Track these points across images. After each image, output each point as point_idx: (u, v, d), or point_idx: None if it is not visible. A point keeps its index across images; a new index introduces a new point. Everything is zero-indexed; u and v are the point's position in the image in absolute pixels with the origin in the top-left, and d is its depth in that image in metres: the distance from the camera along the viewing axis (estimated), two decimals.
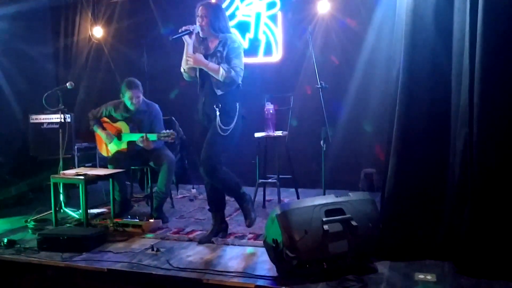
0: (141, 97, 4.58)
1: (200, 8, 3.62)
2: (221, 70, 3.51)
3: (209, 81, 3.62)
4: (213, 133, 3.57)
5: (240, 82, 3.63)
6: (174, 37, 3.64)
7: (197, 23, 3.63)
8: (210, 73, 3.55)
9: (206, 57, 3.60)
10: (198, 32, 3.65)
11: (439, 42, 3.12)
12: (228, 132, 3.57)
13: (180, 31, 3.63)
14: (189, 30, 3.62)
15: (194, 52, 3.66)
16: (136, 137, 4.45)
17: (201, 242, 3.71)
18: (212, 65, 3.54)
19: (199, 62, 3.57)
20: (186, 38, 3.64)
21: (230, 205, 4.84)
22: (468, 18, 2.90)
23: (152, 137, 4.40)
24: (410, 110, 3.16)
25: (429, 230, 3.17)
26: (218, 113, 3.55)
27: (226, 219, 3.93)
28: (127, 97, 4.52)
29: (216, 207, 3.82)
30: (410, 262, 3.11)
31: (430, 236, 3.17)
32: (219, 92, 3.59)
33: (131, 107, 4.56)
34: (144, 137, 4.39)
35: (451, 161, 3.12)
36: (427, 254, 3.16)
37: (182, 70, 3.77)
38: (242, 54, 3.65)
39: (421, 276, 2.90)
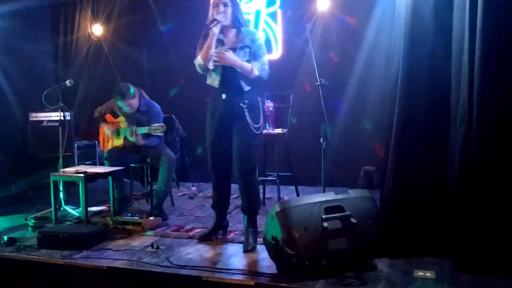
0: (132, 102, 4.51)
1: None
2: (255, 69, 3.41)
3: (235, 77, 3.46)
4: (246, 133, 3.45)
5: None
6: (209, 27, 3.38)
7: (217, 13, 3.41)
8: (245, 72, 3.41)
9: (233, 50, 3.45)
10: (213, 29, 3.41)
11: (439, 40, 3.12)
12: (260, 130, 3.52)
13: (210, 21, 3.39)
14: (218, 20, 3.39)
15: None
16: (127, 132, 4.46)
17: (201, 239, 3.70)
18: (246, 64, 3.41)
19: (230, 61, 3.38)
20: (214, 29, 3.39)
21: (230, 202, 4.86)
22: (467, 15, 2.90)
23: (142, 130, 4.39)
24: (409, 107, 3.16)
25: (428, 227, 3.18)
26: (246, 111, 3.44)
27: (227, 216, 3.93)
28: (121, 105, 4.51)
29: (223, 206, 3.78)
30: (409, 259, 3.12)
31: (429, 233, 3.17)
32: (246, 88, 3.47)
33: (129, 112, 4.56)
34: (133, 130, 4.38)
35: (450, 159, 3.13)
36: (426, 251, 3.17)
37: (199, 61, 3.51)
38: (264, 46, 3.57)
39: (420, 273, 2.90)
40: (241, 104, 3.45)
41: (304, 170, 5.36)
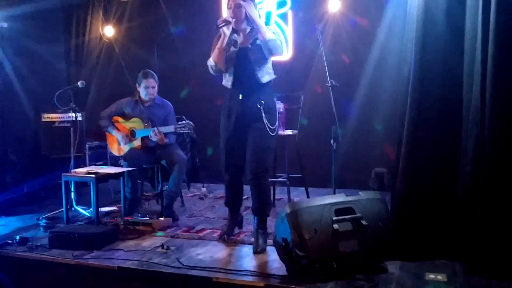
0: (156, 88, 4.63)
1: None
2: (269, 31, 3.39)
3: (249, 71, 3.46)
4: (262, 135, 3.45)
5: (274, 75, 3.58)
6: (219, 26, 3.44)
7: (231, 14, 3.46)
8: (261, 29, 3.36)
9: (245, 50, 3.49)
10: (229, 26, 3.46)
11: (451, 41, 3.10)
12: (276, 132, 3.52)
13: (220, 22, 3.45)
14: (229, 21, 3.44)
15: (228, 41, 3.50)
16: (148, 132, 4.47)
17: (221, 238, 3.72)
18: (264, 25, 3.41)
19: (250, 12, 3.40)
20: (224, 29, 3.45)
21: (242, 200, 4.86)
22: (480, 16, 2.88)
23: (168, 129, 4.42)
24: (421, 109, 3.14)
25: (440, 230, 3.15)
26: (263, 112, 3.43)
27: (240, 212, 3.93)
28: (143, 86, 4.58)
29: (237, 204, 3.81)
30: (421, 262, 3.10)
31: (441, 236, 3.15)
32: (263, 80, 3.46)
33: (146, 98, 4.60)
34: (156, 131, 4.40)
35: (462, 160, 3.10)
36: (437, 253, 3.14)
37: (211, 62, 3.58)
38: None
39: (432, 276, 2.88)
40: (258, 105, 3.45)
41: (314, 171, 5.34)
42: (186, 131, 4.42)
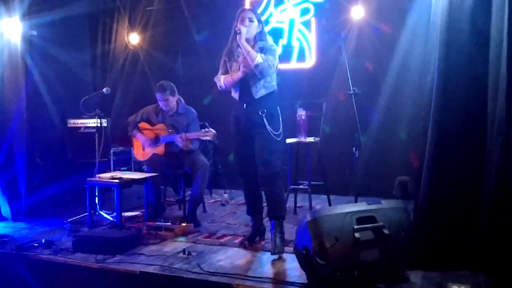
0: (171, 99, 4.63)
1: (247, 11, 3.69)
2: (258, 57, 3.51)
3: (247, 87, 3.64)
4: (267, 139, 3.58)
5: (275, 87, 3.70)
6: (236, 32, 3.57)
7: (242, 26, 3.58)
8: (247, 56, 3.49)
9: None
10: (237, 37, 3.58)
11: (476, 48, 3.06)
12: (281, 136, 3.62)
13: (235, 30, 3.60)
14: (237, 31, 3.57)
15: (231, 57, 3.71)
16: (172, 138, 4.52)
17: (241, 245, 3.75)
18: (253, 51, 3.52)
19: (242, 43, 3.52)
20: (241, 60, 3.63)
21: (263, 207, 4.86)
22: (506, 23, 2.83)
23: (191, 135, 4.46)
24: (445, 116, 3.10)
25: (464, 240, 3.09)
26: (265, 119, 3.57)
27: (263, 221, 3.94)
28: (157, 99, 4.64)
29: (257, 211, 3.85)
30: (444, 272, 3.04)
31: (465, 246, 3.09)
32: (257, 95, 3.60)
33: (165, 109, 4.65)
34: (184, 136, 4.45)
35: (486, 169, 3.04)
36: (461, 264, 3.08)
37: (222, 86, 3.77)
38: (277, 55, 3.69)
39: (455, 287, 2.83)
40: (260, 113, 3.58)
41: (336, 179, 5.31)
42: (209, 139, 4.44)
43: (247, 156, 3.70)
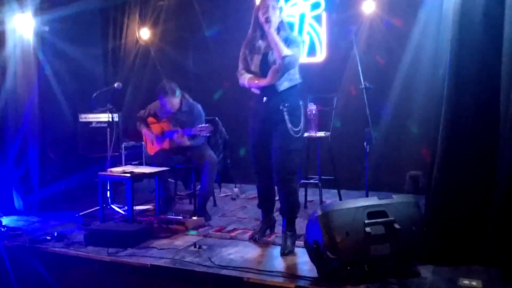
0: (174, 100, 4.58)
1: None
2: (286, 49, 3.37)
3: None
4: (286, 137, 3.44)
5: (299, 80, 3.56)
6: (268, 20, 3.42)
7: (265, 15, 3.43)
8: (275, 47, 3.38)
9: (267, 55, 3.52)
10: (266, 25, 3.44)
11: (488, 42, 3.03)
12: (300, 133, 3.49)
13: (264, 19, 3.45)
14: (268, 19, 3.43)
15: (252, 49, 3.58)
16: (172, 134, 4.55)
17: (252, 239, 3.74)
18: (281, 43, 3.39)
19: (270, 33, 3.39)
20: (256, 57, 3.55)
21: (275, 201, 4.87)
22: None
23: (189, 132, 4.47)
24: (457, 111, 3.08)
25: (475, 235, 3.08)
26: (286, 115, 3.44)
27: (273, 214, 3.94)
28: (162, 103, 4.63)
29: (269, 205, 3.83)
30: (455, 267, 3.04)
31: (476, 241, 3.07)
32: (280, 88, 3.47)
33: (169, 111, 4.66)
34: (180, 133, 4.46)
35: (499, 164, 3.02)
36: (472, 259, 3.07)
37: (244, 83, 3.65)
38: (302, 47, 3.56)
39: (466, 282, 2.82)
40: (280, 107, 3.45)
41: (347, 173, 5.30)
42: (206, 134, 4.43)
43: (264, 151, 3.60)
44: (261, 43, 3.58)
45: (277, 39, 3.41)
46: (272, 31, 3.41)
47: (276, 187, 3.68)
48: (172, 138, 4.61)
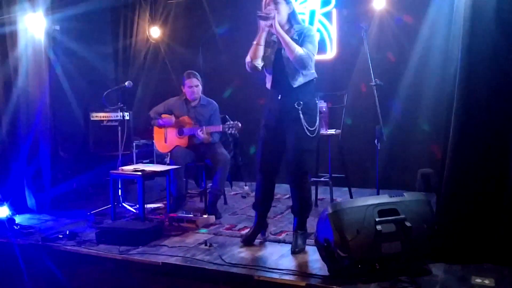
0: (200, 87, 4.72)
1: None
2: (299, 49, 3.26)
3: (284, 75, 3.39)
4: (300, 137, 3.34)
5: (315, 74, 3.45)
6: (259, 14, 3.34)
7: (271, 12, 3.31)
8: (286, 47, 3.27)
9: (280, 50, 3.41)
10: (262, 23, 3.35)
11: (500, 38, 2.99)
12: (315, 133, 3.40)
13: (261, 12, 3.35)
14: (267, 15, 3.31)
15: (268, 42, 3.44)
16: (195, 131, 4.55)
17: (244, 243, 3.64)
18: (292, 42, 3.28)
19: (276, 28, 3.27)
20: (263, 23, 3.35)
21: (282, 202, 4.87)
22: None
23: (216, 128, 4.50)
24: (469, 108, 3.05)
25: (488, 233, 3.05)
26: (301, 113, 3.33)
27: (279, 216, 3.92)
28: (187, 86, 4.70)
29: (265, 208, 3.73)
30: (467, 265, 3.02)
31: (488, 239, 3.05)
32: (295, 84, 3.35)
33: (191, 97, 4.71)
34: (204, 130, 4.47)
35: (511, 161, 2.99)
36: (485, 257, 3.05)
37: (247, 59, 3.47)
38: (317, 42, 3.41)
39: (478, 280, 2.80)
40: (296, 105, 3.36)
41: (358, 171, 5.29)
42: (233, 131, 4.44)
43: (274, 151, 3.52)
44: (276, 38, 3.45)
45: (287, 39, 3.28)
46: (278, 30, 3.29)
47: (290, 187, 3.52)
48: (193, 134, 4.61)
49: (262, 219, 3.73)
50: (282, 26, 3.39)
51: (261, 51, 3.43)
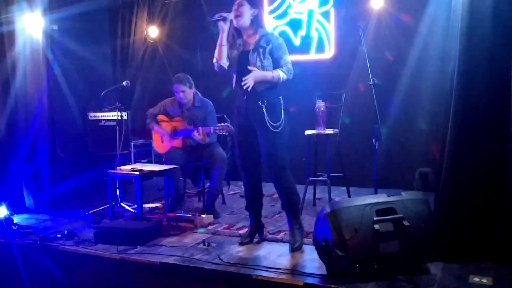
0: (189, 91, 4.66)
1: None
2: (282, 74, 3.41)
3: (248, 74, 3.41)
4: (269, 132, 3.43)
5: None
6: (212, 19, 3.53)
7: (233, 13, 3.46)
8: (273, 80, 3.41)
9: (247, 53, 3.47)
10: (232, 26, 3.49)
11: (498, 37, 3.00)
12: (280, 128, 3.46)
13: (217, 16, 3.52)
14: (223, 16, 3.48)
15: (232, 44, 3.55)
16: (190, 132, 4.55)
17: (241, 243, 3.64)
18: (274, 74, 3.40)
19: (258, 79, 3.39)
20: (221, 24, 3.49)
21: (279, 201, 4.86)
22: None
23: (207, 130, 4.48)
24: (466, 107, 3.06)
25: (486, 232, 3.06)
26: (264, 111, 3.42)
27: (277, 215, 3.92)
28: (175, 91, 4.67)
29: (257, 207, 3.74)
30: (465, 264, 3.02)
31: (487, 238, 3.05)
32: (259, 88, 3.46)
33: (181, 102, 4.68)
34: (200, 131, 4.47)
35: (509, 160, 3.00)
36: (483, 256, 3.05)
37: (214, 60, 3.56)
38: (286, 48, 3.50)
39: (476, 279, 2.80)
40: (260, 103, 3.43)
41: (356, 171, 5.29)
42: (223, 133, 4.44)
43: (249, 150, 3.58)
44: (240, 40, 3.56)
45: (269, 76, 3.40)
46: (258, 75, 3.38)
47: (273, 183, 3.57)
48: (188, 135, 4.61)
49: (257, 219, 3.75)
50: (245, 30, 3.50)
51: (224, 51, 3.53)
